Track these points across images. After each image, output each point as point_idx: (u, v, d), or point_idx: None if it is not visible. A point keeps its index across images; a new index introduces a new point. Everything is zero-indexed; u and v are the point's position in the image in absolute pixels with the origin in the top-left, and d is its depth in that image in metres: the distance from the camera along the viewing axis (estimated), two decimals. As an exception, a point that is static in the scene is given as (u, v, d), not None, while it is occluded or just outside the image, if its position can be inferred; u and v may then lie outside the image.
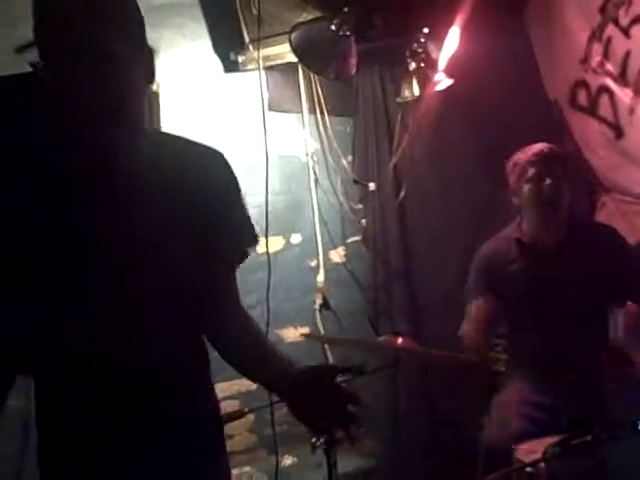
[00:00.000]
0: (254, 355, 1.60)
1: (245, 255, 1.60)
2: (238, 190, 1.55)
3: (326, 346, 3.50)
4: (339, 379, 1.58)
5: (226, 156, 1.54)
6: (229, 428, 3.15)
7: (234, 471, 3.04)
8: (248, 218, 1.57)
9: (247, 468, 3.04)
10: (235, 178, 1.55)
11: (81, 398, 1.40)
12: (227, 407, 3.13)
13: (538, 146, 2.70)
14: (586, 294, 2.54)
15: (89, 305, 1.37)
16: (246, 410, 2.61)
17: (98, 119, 1.30)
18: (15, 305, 1.35)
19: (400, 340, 2.51)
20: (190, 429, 1.47)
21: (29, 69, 1.37)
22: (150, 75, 1.41)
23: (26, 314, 1.35)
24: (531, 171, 2.65)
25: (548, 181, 2.61)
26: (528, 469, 2.12)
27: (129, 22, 1.36)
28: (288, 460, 3.02)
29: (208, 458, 1.52)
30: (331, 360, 3.48)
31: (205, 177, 1.48)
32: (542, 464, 2.06)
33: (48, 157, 1.35)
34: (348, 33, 3.05)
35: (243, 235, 1.58)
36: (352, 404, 1.51)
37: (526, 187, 2.66)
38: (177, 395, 1.46)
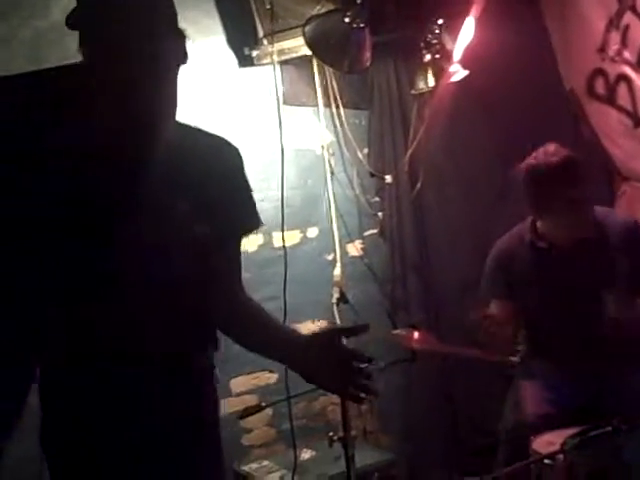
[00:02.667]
0: (263, 331, 1.64)
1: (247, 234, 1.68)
2: (245, 176, 1.64)
3: (344, 340, 3.49)
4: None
5: (237, 146, 1.62)
6: (248, 422, 3.20)
7: (253, 465, 3.06)
8: (254, 203, 1.67)
9: (265, 462, 3.05)
10: (243, 165, 1.63)
11: (89, 383, 1.44)
12: (246, 401, 3.16)
13: (553, 159, 2.54)
14: (603, 289, 2.50)
15: (109, 290, 1.40)
16: (264, 404, 2.63)
17: (140, 114, 1.38)
18: (33, 291, 1.38)
19: (417, 333, 2.51)
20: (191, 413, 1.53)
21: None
22: (183, 58, 1.50)
23: (43, 298, 1.39)
24: (550, 190, 2.51)
25: (575, 208, 2.50)
26: (546, 461, 2.12)
27: (168, 12, 1.46)
28: (306, 454, 3.02)
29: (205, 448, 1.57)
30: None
31: (217, 163, 1.57)
32: (561, 455, 2.05)
33: (75, 150, 1.37)
34: (362, 25, 3.03)
35: (249, 218, 1.67)
36: (358, 360, 1.54)
37: (545, 205, 2.55)
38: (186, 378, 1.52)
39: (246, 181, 1.64)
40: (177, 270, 1.45)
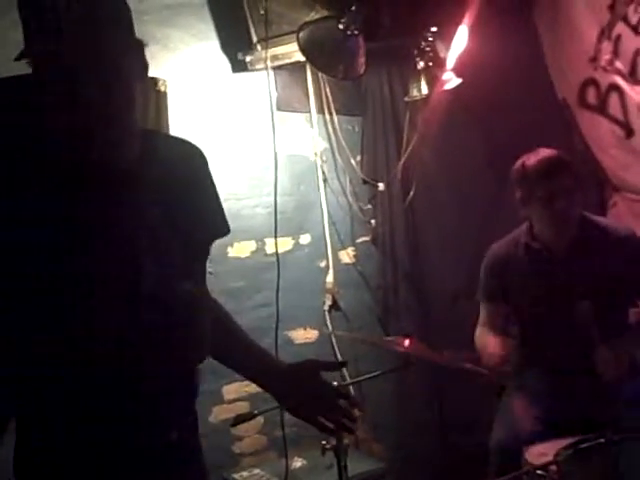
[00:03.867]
0: (232, 342, 1.65)
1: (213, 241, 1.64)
2: (212, 182, 1.59)
3: (336, 348, 3.49)
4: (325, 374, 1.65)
5: (203, 150, 1.59)
6: (239, 430, 3.19)
7: (244, 473, 3.04)
8: (222, 209, 1.61)
9: (257, 470, 3.04)
10: (209, 170, 1.59)
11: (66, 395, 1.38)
12: (238, 409, 3.14)
13: (546, 158, 2.63)
14: (598, 297, 2.51)
15: (77, 305, 1.36)
16: (256, 412, 2.60)
17: (98, 123, 1.32)
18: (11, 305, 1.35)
19: (408, 342, 2.50)
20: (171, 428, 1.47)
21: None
22: (143, 72, 1.44)
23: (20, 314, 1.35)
24: (541, 189, 2.58)
25: (560, 199, 2.55)
26: (539, 471, 2.11)
27: (122, 21, 1.38)
28: (298, 462, 3.01)
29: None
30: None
31: (184, 170, 1.52)
32: (554, 467, 2.05)
33: (45, 158, 1.35)
34: (356, 32, 3.03)
35: (217, 225, 1.61)
36: (340, 397, 1.60)
37: (537, 204, 2.61)
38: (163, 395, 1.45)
39: (213, 184, 1.59)
40: (151, 280, 1.41)
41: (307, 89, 3.60)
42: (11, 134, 1.35)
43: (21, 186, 1.34)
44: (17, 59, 1.32)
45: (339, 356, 3.48)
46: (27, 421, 1.43)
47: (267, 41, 3.13)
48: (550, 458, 2.07)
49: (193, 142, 1.59)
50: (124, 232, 1.39)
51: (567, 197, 2.56)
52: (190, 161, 1.56)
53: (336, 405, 1.61)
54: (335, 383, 2.26)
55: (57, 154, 1.35)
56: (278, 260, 3.18)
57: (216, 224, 1.60)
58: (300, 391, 1.60)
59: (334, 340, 3.51)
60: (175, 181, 1.48)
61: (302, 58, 3.16)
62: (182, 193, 1.48)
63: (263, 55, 3.19)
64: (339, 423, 1.61)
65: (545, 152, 2.65)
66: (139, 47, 1.42)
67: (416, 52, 3.41)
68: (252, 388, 3.19)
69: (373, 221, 3.78)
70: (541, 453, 2.22)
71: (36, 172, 1.34)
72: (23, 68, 1.37)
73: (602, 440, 2.00)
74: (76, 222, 1.36)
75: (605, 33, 3.22)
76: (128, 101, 1.38)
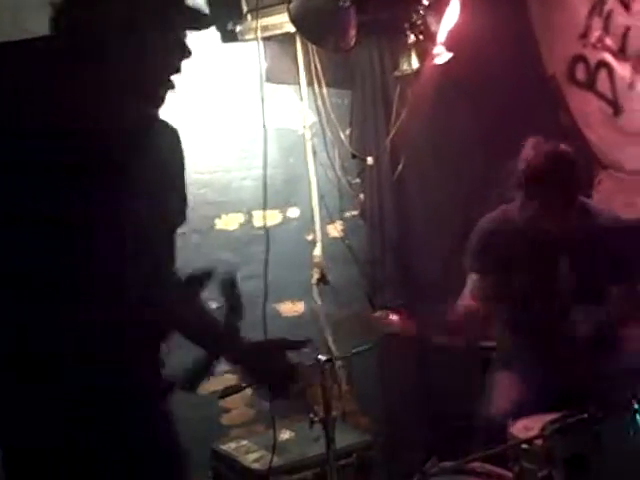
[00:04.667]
0: (199, 320, 1.68)
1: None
2: (184, 163, 1.64)
3: (323, 322, 3.51)
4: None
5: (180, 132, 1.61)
6: (227, 402, 3.21)
7: (232, 444, 3.07)
8: (185, 194, 1.66)
9: (244, 442, 3.06)
10: (183, 152, 1.63)
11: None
12: (225, 381, 3.15)
13: (552, 154, 2.59)
14: (584, 277, 2.54)
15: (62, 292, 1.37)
16: (244, 385, 2.62)
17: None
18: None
19: (395, 316, 2.52)
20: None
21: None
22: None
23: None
24: (545, 182, 2.55)
25: (561, 191, 2.55)
26: (524, 445, 2.15)
27: None
28: (285, 434, 3.03)
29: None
30: (329, 336, 3.48)
31: (164, 151, 1.56)
32: (539, 441, 2.09)
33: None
34: (347, 4, 3.01)
35: (185, 204, 1.66)
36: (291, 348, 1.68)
37: (539, 193, 2.57)
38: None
39: (184, 168, 1.63)
40: (129, 263, 1.43)
41: (297, 61, 3.56)
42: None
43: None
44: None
45: (326, 329, 3.50)
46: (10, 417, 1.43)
47: (258, 11, 3.09)
48: (536, 432, 2.11)
49: (173, 125, 1.60)
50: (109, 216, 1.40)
51: (567, 187, 2.56)
52: (168, 141, 1.59)
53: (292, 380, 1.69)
54: (322, 357, 2.30)
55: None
56: (267, 233, 3.17)
57: (184, 202, 1.65)
58: (260, 367, 1.69)
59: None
60: (152, 159, 1.49)
61: (292, 29, 3.13)
62: (161, 170, 1.51)
63: (253, 25, 3.15)
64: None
65: (551, 148, 2.60)
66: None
67: (407, 25, 3.38)
68: (240, 361, 3.21)
69: (362, 195, 3.78)
70: (526, 427, 2.25)
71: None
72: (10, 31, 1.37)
73: (586, 415, 2.04)
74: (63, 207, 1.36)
75: (596, 9, 3.23)
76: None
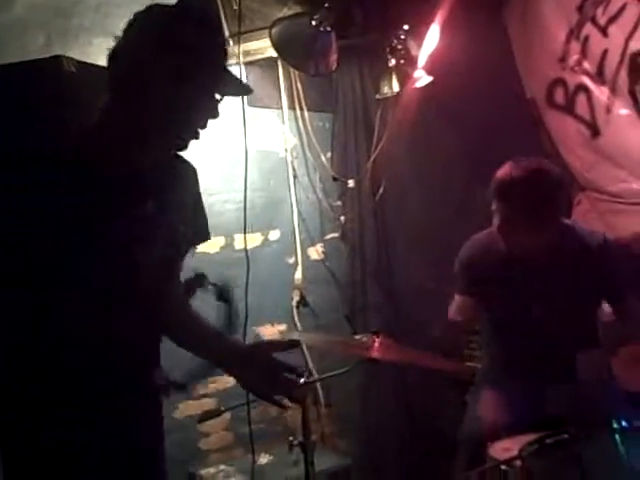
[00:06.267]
0: (201, 334, 1.80)
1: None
2: (200, 195, 1.81)
3: (303, 345, 3.48)
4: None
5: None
6: (205, 427, 3.17)
7: (210, 470, 3.03)
8: (206, 219, 1.84)
9: (223, 467, 3.02)
10: (199, 185, 1.81)
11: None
12: (204, 406, 3.13)
13: (522, 170, 2.48)
14: (569, 299, 2.53)
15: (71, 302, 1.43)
16: (223, 409, 2.60)
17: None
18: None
19: (377, 339, 2.50)
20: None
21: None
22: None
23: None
24: (522, 206, 2.46)
25: (540, 213, 2.46)
26: (503, 467, 2.12)
27: None
28: (264, 459, 3.00)
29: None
30: (309, 358, 3.46)
31: (186, 186, 1.75)
32: (518, 462, 2.06)
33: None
34: (328, 29, 3.04)
35: (203, 232, 1.86)
36: (287, 371, 1.75)
37: (516, 216, 2.48)
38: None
39: (200, 196, 1.80)
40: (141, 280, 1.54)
41: (279, 85, 3.59)
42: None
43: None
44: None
45: (306, 351, 3.48)
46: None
47: (240, 36, 3.11)
48: (515, 453, 2.09)
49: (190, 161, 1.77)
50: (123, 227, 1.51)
51: (547, 208, 2.48)
52: (186, 175, 1.76)
53: (284, 378, 1.75)
54: (301, 380, 2.29)
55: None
56: (247, 256, 3.16)
57: (201, 232, 1.84)
58: (254, 370, 1.74)
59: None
60: (170, 190, 1.65)
61: (274, 54, 3.16)
62: (175, 201, 1.66)
63: (235, 50, 3.17)
64: (288, 395, 1.76)
65: (526, 164, 2.51)
66: None
67: (388, 50, 3.43)
68: (219, 384, 3.18)
69: (342, 218, 3.79)
70: (505, 448, 2.23)
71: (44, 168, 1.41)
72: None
73: (566, 436, 2.03)
74: (81, 221, 1.45)
75: (574, 33, 3.26)
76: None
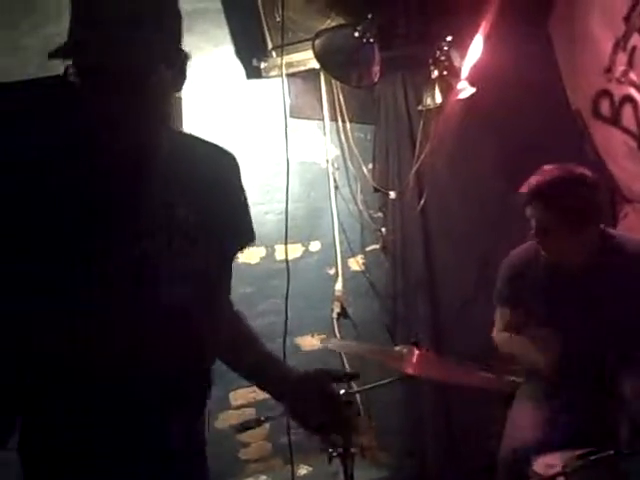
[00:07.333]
0: (254, 357, 1.66)
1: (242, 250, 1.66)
2: (243, 188, 1.61)
3: (343, 356, 3.48)
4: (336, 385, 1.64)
5: (237, 157, 1.60)
6: (245, 436, 3.18)
7: (250, 479, 3.03)
8: (250, 215, 1.64)
9: (262, 477, 3.02)
10: (240, 177, 1.60)
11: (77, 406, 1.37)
12: (244, 415, 3.14)
13: (563, 175, 2.51)
14: (611, 312, 2.48)
15: (102, 306, 1.35)
16: (263, 418, 2.60)
17: (130, 132, 1.34)
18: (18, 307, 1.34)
19: (417, 351, 2.48)
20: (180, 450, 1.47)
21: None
22: (181, 81, 1.44)
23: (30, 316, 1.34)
24: (541, 217, 2.51)
25: (575, 218, 2.47)
26: (547, 483, 2.09)
27: (172, 28, 1.40)
28: (303, 470, 2.99)
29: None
30: (348, 369, 3.45)
31: (220, 176, 1.55)
32: (562, 478, 2.03)
33: (73, 160, 1.35)
34: (371, 40, 3.04)
35: (244, 232, 1.64)
36: (347, 410, 1.62)
37: (553, 220, 2.50)
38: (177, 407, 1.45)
39: (244, 191, 1.61)
40: (178, 288, 1.41)
41: (320, 97, 3.61)
42: (39, 132, 1.34)
43: (47, 182, 1.33)
44: (54, 56, 1.30)
45: (346, 363, 3.47)
46: (32, 421, 1.41)
47: (282, 48, 3.13)
48: (558, 469, 2.06)
49: (229, 151, 1.60)
50: (149, 229, 1.39)
51: (584, 213, 2.49)
52: (222, 166, 1.57)
53: (341, 417, 1.61)
54: (342, 391, 2.27)
55: (83, 151, 1.34)
56: (288, 267, 3.17)
57: (243, 231, 1.62)
58: (308, 402, 1.58)
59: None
60: (206, 184, 1.48)
61: (317, 65, 3.17)
62: (212, 196, 1.49)
63: (278, 62, 3.20)
64: (344, 436, 1.67)
65: (559, 167, 2.54)
66: (183, 58, 1.43)
67: (431, 61, 3.41)
68: (259, 395, 3.19)
69: (383, 229, 3.78)
70: (549, 464, 2.20)
71: (60, 169, 1.33)
72: (38, 71, 1.38)
73: (611, 452, 1.99)
74: (100, 219, 1.35)
75: (620, 44, 3.21)
76: (162, 113, 1.40)
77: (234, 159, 1.60)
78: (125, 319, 1.36)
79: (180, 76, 1.43)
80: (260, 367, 1.66)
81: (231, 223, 1.56)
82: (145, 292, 1.38)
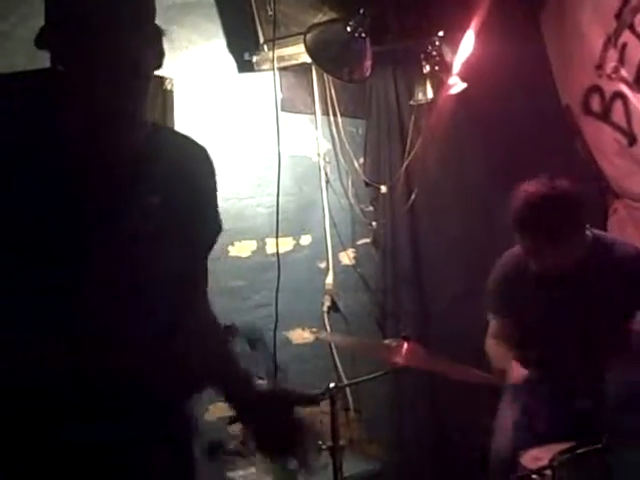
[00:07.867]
0: (218, 355, 1.64)
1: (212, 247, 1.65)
2: (215, 182, 1.62)
3: (334, 349, 3.49)
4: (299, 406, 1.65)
5: (209, 151, 1.61)
6: (235, 429, 3.18)
7: (239, 472, 3.04)
8: (217, 206, 1.64)
9: (252, 469, 3.03)
10: (214, 173, 1.62)
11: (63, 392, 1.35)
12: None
13: (533, 200, 2.49)
14: (600, 311, 2.50)
15: (81, 299, 1.34)
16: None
17: (111, 116, 1.34)
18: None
19: (406, 345, 2.50)
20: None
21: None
22: (159, 59, 1.44)
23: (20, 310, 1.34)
24: (531, 231, 2.51)
25: (549, 237, 2.47)
26: (534, 476, 2.11)
27: (147, 14, 1.39)
28: (293, 462, 3.00)
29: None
30: (338, 363, 3.47)
31: (192, 169, 1.55)
32: (548, 471, 2.05)
33: (59, 149, 1.35)
34: (363, 35, 3.04)
35: (217, 225, 1.64)
36: (306, 434, 1.63)
37: (537, 244, 2.52)
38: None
39: (214, 182, 1.62)
40: (151, 283, 1.40)
41: (312, 91, 3.61)
42: (20, 124, 1.34)
43: (26, 177, 1.32)
44: (38, 46, 1.32)
45: (336, 357, 3.48)
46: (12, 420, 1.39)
47: (274, 42, 3.14)
48: (545, 463, 2.07)
49: (201, 143, 1.61)
50: (124, 225, 1.39)
51: (566, 233, 2.50)
52: (196, 161, 1.58)
53: (294, 441, 1.63)
54: (332, 385, 2.28)
55: (62, 144, 1.35)
56: (279, 260, 3.18)
57: (210, 222, 1.62)
58: (264, 424, 1.62)
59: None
60: (178, 177, 1.48)
61: (308, 60, 3.17)
62: (185, 190, 1.49)
63: (270, 56, 3.20)
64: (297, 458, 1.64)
65: (536, 190, 2.52)
66: (158, 35, 1.42)
67: (422, 56, 3.42)
68: (249, 387, 3.19)
69: (374, 223, 3.79)
70: (536, 457, 2.21)
71: (41, 162, 1.33)
72: (27, 63, 1.38)
73: (598, 446, 2.00)
74: (76, 214, 1.35)
75: (611, 41, 3.22)
76: (140, 91, 1.40)
77: (207, 155, 1.60)
78: (95, 313, 1.35)
79: (159, 53, 1.43)
80: (226, 381, 1.65)
81: (197, 213, 1.55)
82: (115, 279, 1.37)
